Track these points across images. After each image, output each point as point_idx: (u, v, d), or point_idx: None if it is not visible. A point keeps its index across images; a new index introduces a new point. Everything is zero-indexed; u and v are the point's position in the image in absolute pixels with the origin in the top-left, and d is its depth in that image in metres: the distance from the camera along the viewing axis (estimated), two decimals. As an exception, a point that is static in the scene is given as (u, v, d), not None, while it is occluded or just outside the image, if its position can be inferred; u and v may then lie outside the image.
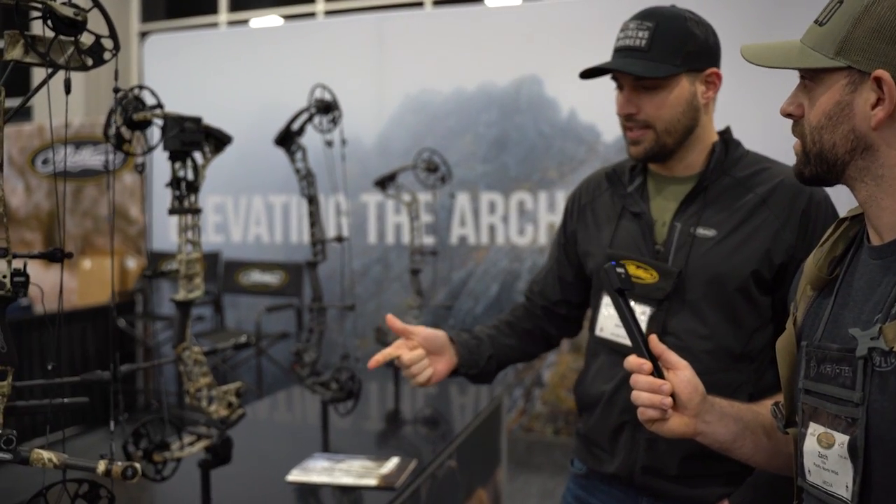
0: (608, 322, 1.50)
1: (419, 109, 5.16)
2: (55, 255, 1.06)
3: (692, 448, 1.37)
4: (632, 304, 1.41)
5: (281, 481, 1.85)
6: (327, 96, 2.12)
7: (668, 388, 1.10)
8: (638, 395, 1.11)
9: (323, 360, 2.27)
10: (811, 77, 0.97)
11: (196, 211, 1.60)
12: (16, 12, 0.97)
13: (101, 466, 1.03)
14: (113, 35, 0.98)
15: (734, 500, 1.38)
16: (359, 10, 7.45)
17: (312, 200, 2.16)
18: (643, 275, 1.43)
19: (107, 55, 1.00)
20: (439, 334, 1.55)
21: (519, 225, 4.98)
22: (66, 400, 1.10)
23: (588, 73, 1.45)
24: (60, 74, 1.00)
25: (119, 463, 1.03)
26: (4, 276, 1.09)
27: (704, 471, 1.42)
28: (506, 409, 3.18)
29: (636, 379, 1.12)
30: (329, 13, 7.88)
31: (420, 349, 1.51)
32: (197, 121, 1.55)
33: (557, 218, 4.88)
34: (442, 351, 1.55)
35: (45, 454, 1.08)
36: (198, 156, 1.61)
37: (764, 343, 1.42)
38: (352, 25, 5.59)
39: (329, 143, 2.10)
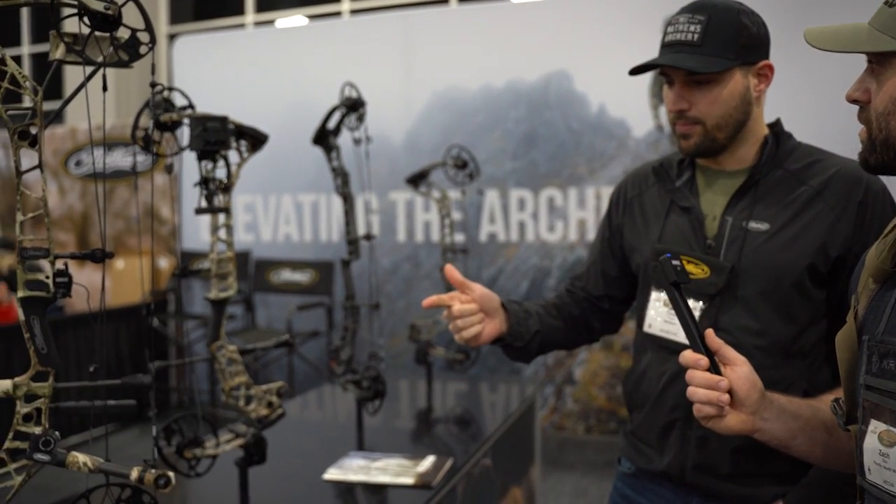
0: (657, 318, 1.47)
1: (447, 106, 5.15)
2: (95, 256, 1.07)
3: (745, 445, 1.35)
4: None
5: (318, 480, 1.85)
6: (354, 94, 2.12)
7: (725, 385, 1.08)
8: (694, 392, 1.09)
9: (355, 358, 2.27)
10: (879, 61, 0.94)
11: (222, 210, 1.60)
12: (51, 10, 0.97)
13: (135, 473, 1.04)
14: (149, 28, 0.97)
15: (790, 501, 1.35)
16: (383, 8, 7.45)
17: (347, 199, 2.16)
18: (694, 270, 1.41)
19: (143, 49, 1.00)
20: (494, 296, 1.53)
21: (549, 221, 4.95)
22: (113, 402, 1.10)
23: (637, 70, 1.43)
24: (95, 74, 1.00)
25: (153, 471, 1.03)
26: (47, 277, 1.10)
27: (757, 469, 1.39)
28: (537, 406, 3.16)
29: (692, 375, 1.10)
30: (354, 12, 7.90)
31: (474, 304, 1.49)
32: (220, 120, 1.54)
33: (588, 214, 4.85)
34: (493, 314, 1.53)
35: (81, 458, 1.08)
36: (233, 154, 1.61)
37: (818, 338, 1.39)
38: (378, 23, 5.59)
39: (357, 141, 2.10)
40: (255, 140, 1.64)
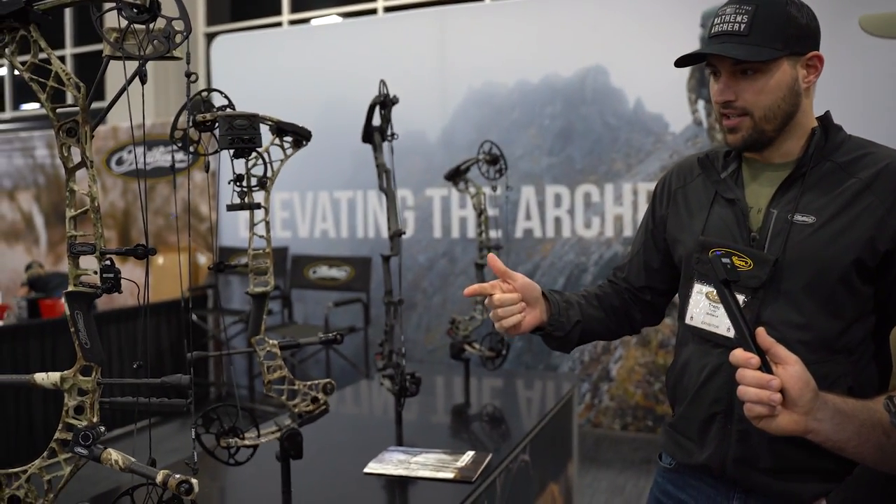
0: (699, 310, 1.46)
1: (483, 103, 5.14)
2: (137, 252, 1.08)
3: (787, 440, 1.31)
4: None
5: (358, 473, 1.87)
6: (384, 91, 2.13)
7: (777, 384, 1.06)
8: (745, 391, 1.08)
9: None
10: None
11: (255, 207, 1.62)
12: (92, 6, 0.98)
13: (160, 477, 1.05)
14: (184, 16, 0.97)
15: (833, 500, 1.33)
16: (416, 5, 7.47)
17: (388, 195, 2.18)
18: (738, 262, 1.39)
19: (178, 38, 1.00)
20: (535, 286, 1.52)
21: (585, 218, 4.92)
22: (165, 400, 1.12)
23: (683, 61, 1.42)
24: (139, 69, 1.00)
25: (176, 476, 1.05)
26: (95, 272, 1.12)
27: (800, 465, 1.36)
28: (575, 403, 3.15)
29: (743, 374, 1.08)
30: (388, 9, 7.92)
31: (515, 294, 1.48)
32: (248, 118, 1.55)
33: (624, 210, 4.82)
34: (534, 303, 1.52)
35: (114, 455, 1.10)
36: (277, 151, 1.63)
37: (864, 334, 1.36)
38: (413, 20, 5.61)
39: (387, 138, 2.12)
40: (298, 136, 1.65)
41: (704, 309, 1.44)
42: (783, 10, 1.35)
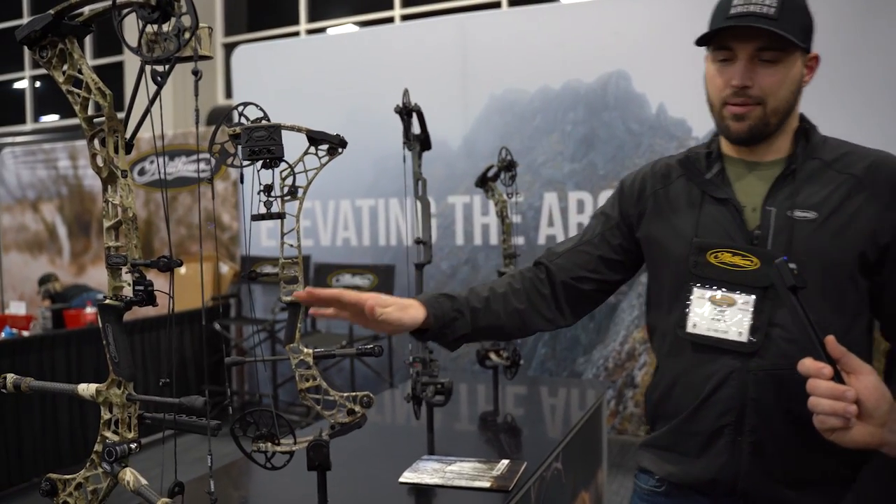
0: (703, 317, 1.39)
1: (505, 109, 5.14)
2: (160, 265, 1.06)
3: (804, 449, 1.30)
4: (732, 294, 1.35)
5: (394, 483, 1.86)
6: (404, 100, 2.14)
7: (852, 395, 1.03)
8: (817, 402, 1.04)
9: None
10: None
11: (278, 217, 1.62)
12: (113, 9, 0.97)
13: (160, 502, 1.05)
14: (190, 11, 0.95)
15: None
16: (433, 13, 7.48)
17: (424, 203, 2.18)
18: (741, 262, 1.35)
19: (203, 35, 0.99)
20: (408, 305, 1.41)
21: (608, 224, 4.90)
22: (195, 418, 1.10)
23: (706, 38, 1.35)
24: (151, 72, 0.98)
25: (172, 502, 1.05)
26: (128, 285, 1.11)
27: (816, 473, 1.34)
28: (604, 409, 3.12)
29: (815, 384, 1.05)
30: (405, 17, 7.95)
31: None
32: (267, 129, 1.55)
33: (648, 216, 4.79)
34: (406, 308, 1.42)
35: (129, 475, 1.10)
36: (312, 160, 1.63)
37: (863, 328, 1.35)
38: (434, 28, 5.61)
39: (407, 145, 2.12)
40: (333, 145, 1.65)
41: (710, 315, 1.38)
42: (804, 3, 1.34)
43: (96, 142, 1.06)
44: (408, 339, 2.24)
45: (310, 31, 8.63)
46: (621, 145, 4.87)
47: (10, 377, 1.23)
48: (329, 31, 8.50)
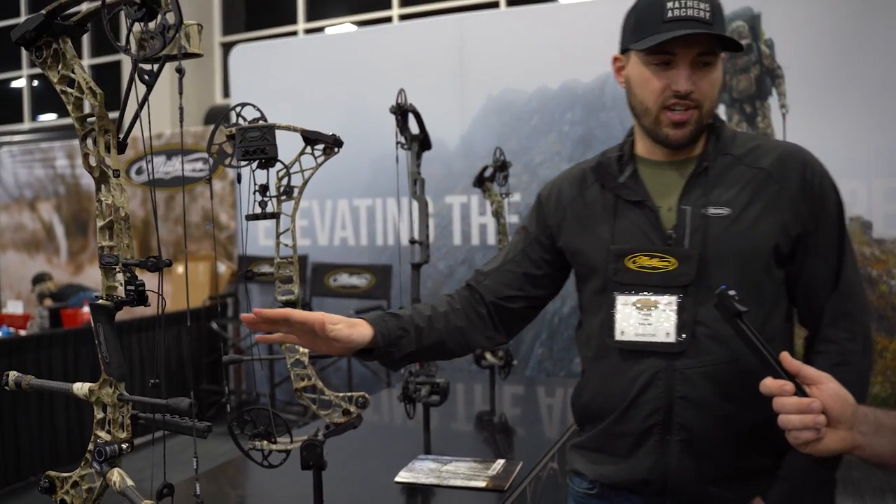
0: (630, 323, 1.39)
1: (502, 110, 5.14)
2: (148, 265, 1.05)
3: (730, 445, 1.34)
4: (654, 297, 1.36)
5: (389, 482, 1.86)
6: (401, 99, 2.14)
7: (818, 406, 1.03)
8: (788, 420, 1.05)
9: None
10: None
11: (273, 216, 1.62)
12: (104, 8, 0.97)
13: None
14: (174, 7, 0.93)
15: (770, 498, 1.33)
16: (432, 13, 7.48)
17: (421, 203, 2.19)
18: (659, 264, 1.36)
19: (193, 33, 0.97)
20: (356, 323, 1.38)
21: (605, 224, 4.90)
22: (187, 420, 1.09)
23: (657, 45, 1.33)
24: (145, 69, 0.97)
25: None
26: (120, 285, 1.11)
27: (741, 468, 1.36)
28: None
29: (781, 402, 1.05)
30: (403, 17, 7.95)
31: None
32: (260, 129, 1.55)
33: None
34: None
35: (116, 477, 1.10)
36: (308, 160, 1.64)
37: (781, 319, 1.37)
38: (431, 28, 5.61)
39: (403, 146, 2.12)
40: (327, 144, 1.65)
41: (636, 320, 1.38)
42: (722, 8, 1.35)
43: (89, 141, 1.06)
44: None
45: (308, 31, 8.63)
46: (619, 145, 4.87)
47: (13, 374, 1.23)
48: (327, 30, 8.50)
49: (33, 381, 1.22)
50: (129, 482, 1.08)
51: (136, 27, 0.94)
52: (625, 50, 1.42)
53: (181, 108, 0.93)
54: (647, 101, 1.37)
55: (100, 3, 0.96)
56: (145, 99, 0.96)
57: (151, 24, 0.93)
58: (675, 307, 1.35)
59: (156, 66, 0.96)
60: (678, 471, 1.36)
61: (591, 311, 1.49)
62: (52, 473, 1.17)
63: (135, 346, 5.23)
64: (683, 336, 1.33)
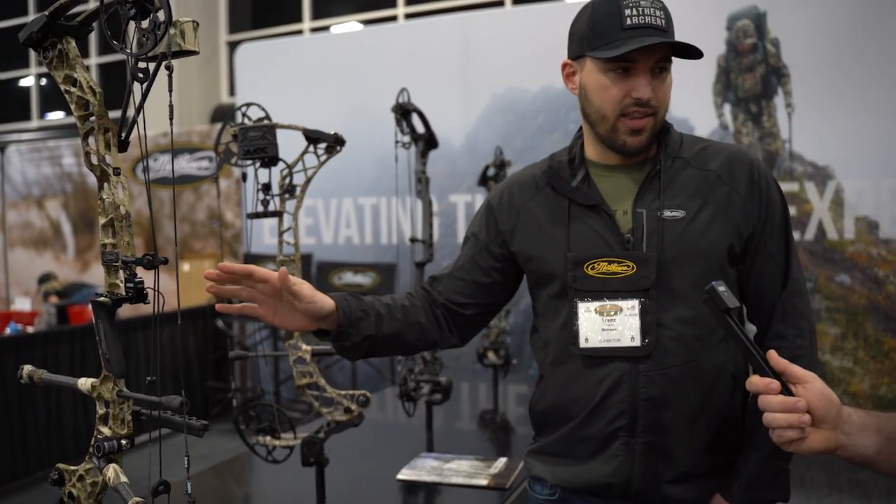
0: (593, 329, 1.38)
1: (507, 109, 5.14)
2: (143, 262, 1.05)
3: (692, 446, 1.35)
4: (620, 300, 1.36)
5: (391, 479, 1.87)
6: (401, 99, 2.15)
7: (803, 405, 1.03)
8: (773, 418, 1.04)
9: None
10: None
11: (275, 215, 1.62)
12: (102, 7, 0.97)
13: (131, 502, 1.05)
14: (164, 5, 0.93)
15: (729, 493, 1.35)
16: (437, 12, 7.48)
17: (424, 202, 2.20)
18: (618, 269, 1.36)
19: (190, 30, 0.96)
20: (322, 297, 1.35)
21: (610, 223, 4.90)
22: (186, 418, 1.09)
23: (622, 54, 1.31)
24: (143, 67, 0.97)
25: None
26: (120, 282, 1.11)
27: (703, 467, 1.37)
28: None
29: (767, 400, 1.05)
30: (409, 16, 7.95)
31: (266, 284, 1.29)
32: (260, 129, 1.56)
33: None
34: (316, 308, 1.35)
35: (111, 473, 1.10)
36: (311, 158, 1.65)
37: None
38: (436, 27, 5.62)
39: (403, 144, 2.13)
40: (330, 143, 1.66)
41: (599, 326, 1.37)
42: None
43: (90, 140, 1.07)
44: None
45: (314, 30, 8.64)
46: (623, 144, 4.86)
47: (27, 368, 1.25)
48: (333, 29, 8.51)
49: (45, 376, 1.24)
50: (123, 478, 1.09)
51: (132, 25, 0.95)
52: (577, 56, 1.40)
53: (171, 106, 0.93)
54: (606, 109, 1.35)
55: (98, 3, 0.97)
56: (144, 97, 0.97)
57: (145, 23, 0.93)
58: (637, 311, 1.35)
59: (148, 64, 0.96)
60: (643, 473, 1.36)
61: (547, 315, 1.46)
62: (62, 466, 1.18)
63: (141, 344, 5.25)
64: (647, 339, 1.34)
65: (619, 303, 1.36)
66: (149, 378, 1.09)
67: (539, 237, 1.45)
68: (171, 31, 0.93)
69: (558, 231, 1.42)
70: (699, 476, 1.38)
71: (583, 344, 1.38)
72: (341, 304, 1.37)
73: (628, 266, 1.35)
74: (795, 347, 1.36)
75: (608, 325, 1.36)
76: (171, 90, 0.92)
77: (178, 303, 1.03)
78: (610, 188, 1.41)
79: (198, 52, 0.95)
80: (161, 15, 0.91)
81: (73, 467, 1.20)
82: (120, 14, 0.94)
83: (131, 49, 0.94)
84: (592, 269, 1.37)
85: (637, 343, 1.34)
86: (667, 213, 1.35)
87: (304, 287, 1.31)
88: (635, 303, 1.35)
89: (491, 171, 2.79)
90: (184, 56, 0.95)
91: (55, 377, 1.24)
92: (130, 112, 1.03)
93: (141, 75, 0.94)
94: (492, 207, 1.54)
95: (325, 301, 1.34)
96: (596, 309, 1.37)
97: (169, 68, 0.93)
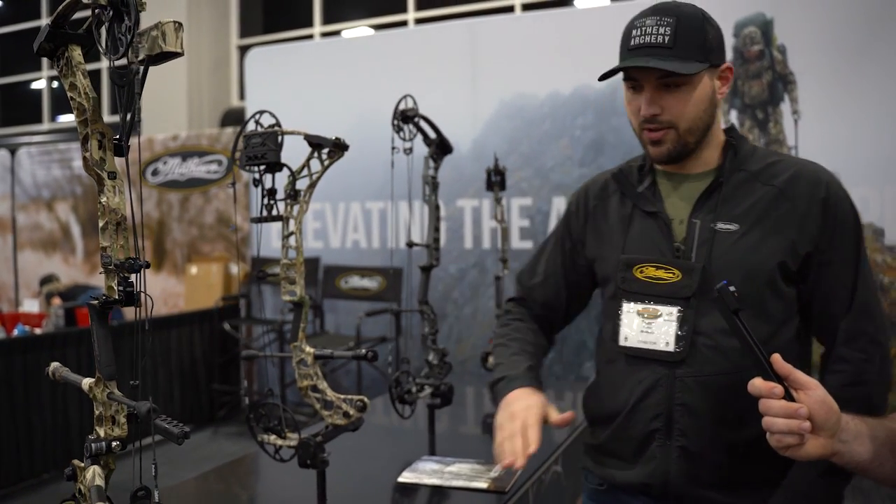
0: (633, 330, 1.43)
1: (514, 114, 5.15)
2: (125, 265, 1.05)
3: (730, 453, 1.36)
4: (660, 305, 1.39)
5: (392, 482, 1.88)
6: (403, 105, 2.16)
7: (805, 412, 1.04)
8: (773, 422, 1.05)
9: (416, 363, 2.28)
10: None
11: (278, 219, 1.64)
12: (93, 12, 0.98)
13: None
14: (133, 7, 0.92)
15: None
16: (448, 17, 7.51)
17: (431, 206, 2.21)
18: (664, 275, 1.39)
19: (173, 31, 0.96)
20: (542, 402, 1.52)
21: (616, 228, 4.90)
22: (167, 423, 1.10)
23: (609, 73, 1.39)
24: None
25: None
26: (112, 286, 1.12)
27: (742, 476, 1.37)
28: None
29: (768, 404, 1.06)
30: (419, 21, 7.98)
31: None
32: (262, 136, 1.58)
33: (656, 221, 4.79)
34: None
35: (90, 473, 1.11)
36: (316, 163, 1.66)
37: (790, 336, 1.38)
38: (444, 32, 5.63)
39: (404, 151, 2.14)
40: (333, 148, 1.68)
41: (639, 327, 1.42)
42: (701, 22, 1.35)
43: (89, 144, 1.09)
44: (415, 343, 2.25)
45: (324, 34, 8.68)
46: (630, 150, 4.83)
47: (54, 365, 1.27)
48: (344, 33, 8.54)
49: (64, 374, 1.26)
50: (98, 482, 1.09)
51: (116, 29, 0.95)
52: None
53: (139, 108, 0.93)
54: (632, 122, 1.44)
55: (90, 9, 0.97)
56: (129, 100, 0.98)
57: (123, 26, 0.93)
58: (675, 318, 1.38)
59: (133, 68, 0.96)
60: (677, 476, 1.39)
61: (606, 316, 1.53)
62: (77, 462, 1.20)
63: (158, 346, 5.29)
64: (681, 346, 1.36)
65: (660, 308, 1.39)
66: (132, 381, 1.08)
67: (601, 241, 1.53)
68: (153, 32, 0.93)
69: (618, 234, 1.49)
70: (738, 485, 1.38)
71: (622, 342, 1.45)
72: (538, 386, 1.54)
73: (674, 273, 1.38)
74: (860, 372, 1.35)
75: (647, 327, 1.41)
76: (139, 92, 0.93)
77: (148, 311, 1.02)
78: (673, 196, 1.45)
79: (181, 54, 0.95)
80: (129, 20, 0.91)
81: (82, 465, 1.22)
82: (102, 19, 0.95)
83: (110, 54, 0.95)
84: (641, 272, 1.42)
85: (671, 349, 1.37)
86: (720, 225, 1.38)
87: (550, 412, 1.47)
88: (674, 310, 1.38)
89: (494, 178, 2.81)
90: (168, 59, 0.95)
91: (72, 375, 1.26)
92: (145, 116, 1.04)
93: (121, 79, 0.95)
94: (570, 213, 1.64)
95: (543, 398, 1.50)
96: (638, 311, 1.42)
97: (145, 66, 0.94)
